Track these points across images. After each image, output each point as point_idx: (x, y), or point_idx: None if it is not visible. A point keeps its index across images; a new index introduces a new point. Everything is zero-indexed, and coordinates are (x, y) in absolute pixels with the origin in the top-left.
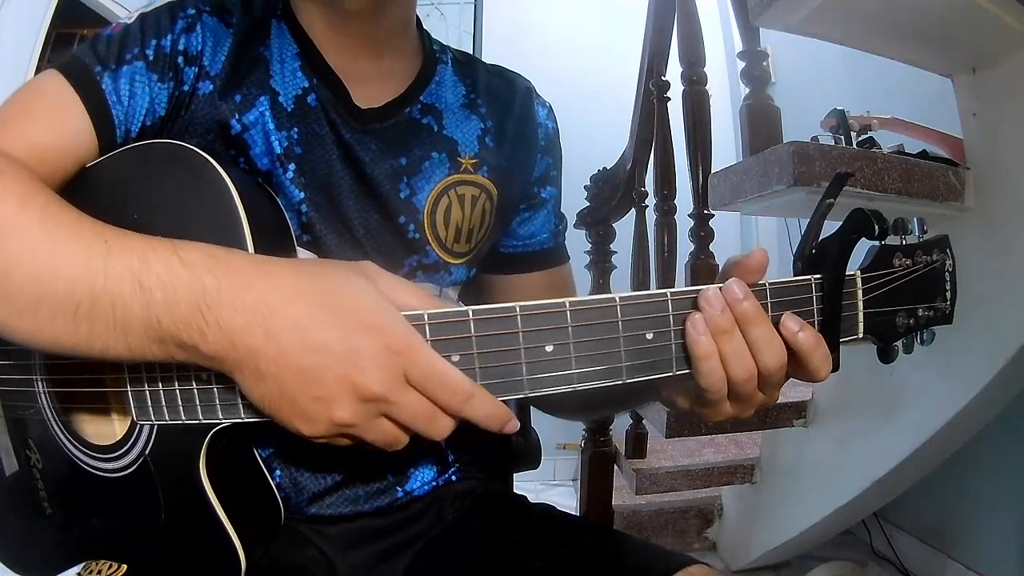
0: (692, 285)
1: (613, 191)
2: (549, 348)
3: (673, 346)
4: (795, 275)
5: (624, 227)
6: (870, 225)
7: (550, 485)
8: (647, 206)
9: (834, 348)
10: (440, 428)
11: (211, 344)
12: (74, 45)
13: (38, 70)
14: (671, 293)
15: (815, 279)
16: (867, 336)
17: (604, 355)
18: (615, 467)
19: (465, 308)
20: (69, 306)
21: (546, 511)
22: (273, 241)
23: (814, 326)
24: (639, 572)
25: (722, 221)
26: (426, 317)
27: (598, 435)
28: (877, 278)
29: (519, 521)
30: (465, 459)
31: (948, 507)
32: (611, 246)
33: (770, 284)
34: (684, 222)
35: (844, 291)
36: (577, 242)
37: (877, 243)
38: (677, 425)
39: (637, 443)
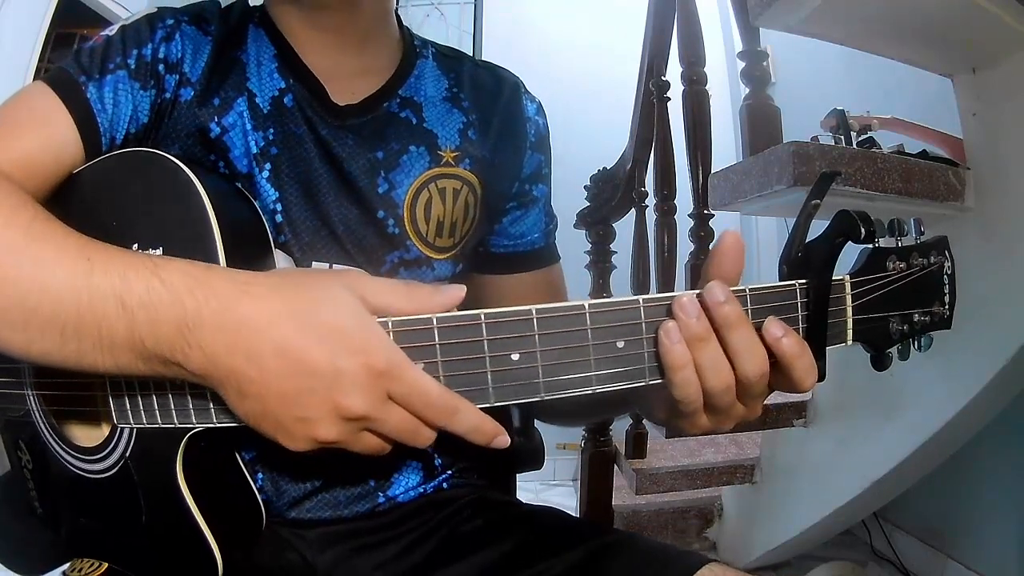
0: (692, 285)
1: (613, 191)
2: (515, 356)
3: (646, 354)
4: (780, 280)
5: (624, 227)
6: (856, 228)
7: (550, 485)
8: (647, 206)
9: (820, 357)
10: (424, 439)
11: (194, 364)
12: (74, 45)
13: (38, 70)
14: (643, 300)
15: (800, 284)
16: (857, 344)
17: (572, 364)
18: (615, 467)
19: (429, 315)
20: (56, 323)
21: (548, 514)
22: (246, 245)
23: (799, 333)
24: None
25: (722, 221)
26: (390, 324)
27: (598, 435)
28: (868, 283)
29: (516, 526)
30: (461, 466)
31: (948, 507)
32: (611, 246)
33: (751, 290)
34: (684, 222)
35: (832, 296)
36: (577, 242)
37: (869, 246)
38: None
39: (637, 443)
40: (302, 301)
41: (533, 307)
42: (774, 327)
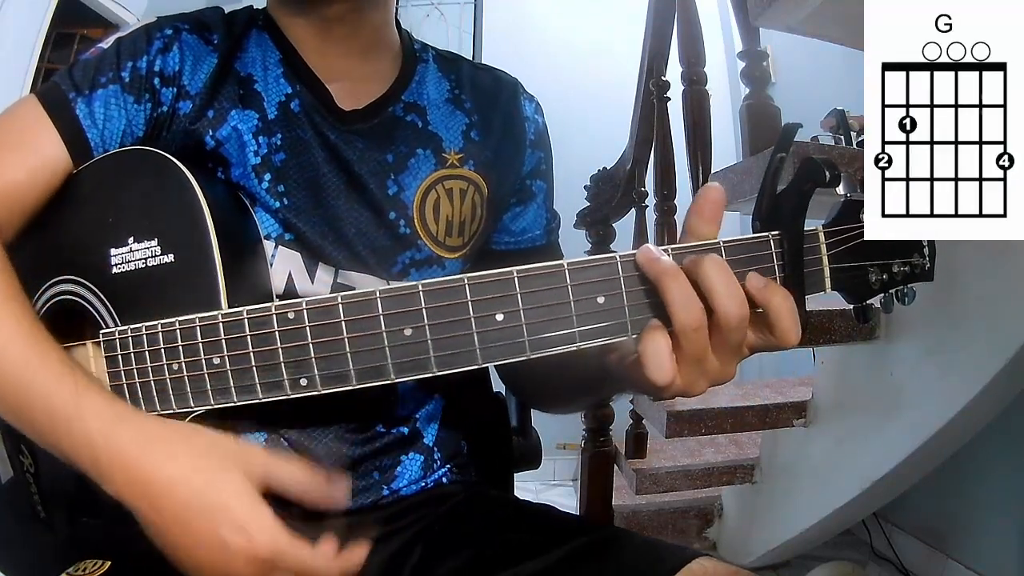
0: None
1: (613, 191)
2: (500, 317)
3: (626, 308)
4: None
5: (624, 227)
6: (821, 172)
7: (550, 485)
8: (647, 206)
9: (800, 304)
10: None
11: (112, 494)
12: (74, 45)
13: (38, 70)
14: (620, 256)
15: (773, 235)
16: (839, 293)
17: (555, 321)
18: (615, 467)
19: (414, 283)
20: (10, 407)
21: (543, 511)
22: (239, 240)
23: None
24: (643, 570)
25: (722, 221)
26: (378, 293)
27: (598, 435)
28: (842, 232)
29: (513, 521)
30: (460, 461)
31: (948, 507)
32: (611, 246)
33: (725, 242)
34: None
35: (806, 246)
36: (577, 242)
37: (843, 197)
38: (677, 425)
39: (637, 443)
40: (194, 480)
41: (515, 268)
42: (755, 278)
